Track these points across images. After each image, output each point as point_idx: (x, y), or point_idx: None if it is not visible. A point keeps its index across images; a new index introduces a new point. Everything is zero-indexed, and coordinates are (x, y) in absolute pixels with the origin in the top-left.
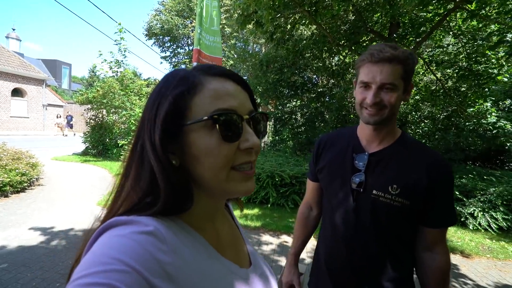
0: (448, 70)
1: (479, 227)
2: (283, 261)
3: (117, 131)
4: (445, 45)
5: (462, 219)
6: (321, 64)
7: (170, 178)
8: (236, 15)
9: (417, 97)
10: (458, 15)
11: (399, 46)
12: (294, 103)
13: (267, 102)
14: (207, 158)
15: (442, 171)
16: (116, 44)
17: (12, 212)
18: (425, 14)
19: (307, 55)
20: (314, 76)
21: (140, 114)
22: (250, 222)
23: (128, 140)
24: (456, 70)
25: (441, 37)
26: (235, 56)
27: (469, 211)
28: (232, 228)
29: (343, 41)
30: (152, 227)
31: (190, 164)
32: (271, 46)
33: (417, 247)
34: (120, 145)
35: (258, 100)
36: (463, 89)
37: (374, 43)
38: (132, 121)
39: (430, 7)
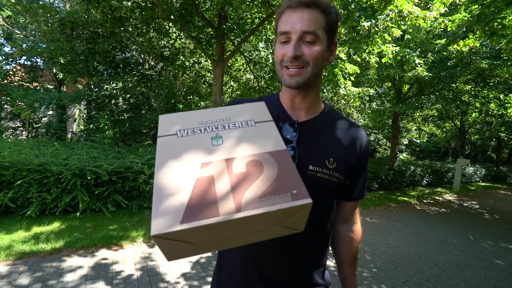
0: (262, 72)
1: None
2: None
3: None
4: (260, 49)
5: None
6: (148, 42)
7: None
8: None
9: (238, 92)
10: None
11: (226, 40)
12: (114, 84)
13: (75, 79)
14: None
15: (367, 145)
16: None
17: None
18: (251, 15)
19: (130, 27)
20: (140, 55)
21: None
22: (44, 244)
23: None
24: (268, 72)
25: (257, 42)
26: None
27: None
28: None
29: (173, 16)
30: None
31: None
32: (79, 2)
33: (336, 222)
34: None
35: (61, 76)
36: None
37: (209, 30)
38: None
39: (254, 9)
